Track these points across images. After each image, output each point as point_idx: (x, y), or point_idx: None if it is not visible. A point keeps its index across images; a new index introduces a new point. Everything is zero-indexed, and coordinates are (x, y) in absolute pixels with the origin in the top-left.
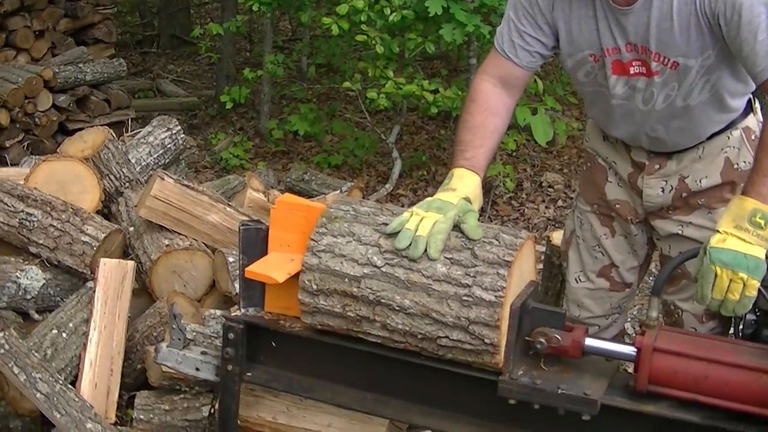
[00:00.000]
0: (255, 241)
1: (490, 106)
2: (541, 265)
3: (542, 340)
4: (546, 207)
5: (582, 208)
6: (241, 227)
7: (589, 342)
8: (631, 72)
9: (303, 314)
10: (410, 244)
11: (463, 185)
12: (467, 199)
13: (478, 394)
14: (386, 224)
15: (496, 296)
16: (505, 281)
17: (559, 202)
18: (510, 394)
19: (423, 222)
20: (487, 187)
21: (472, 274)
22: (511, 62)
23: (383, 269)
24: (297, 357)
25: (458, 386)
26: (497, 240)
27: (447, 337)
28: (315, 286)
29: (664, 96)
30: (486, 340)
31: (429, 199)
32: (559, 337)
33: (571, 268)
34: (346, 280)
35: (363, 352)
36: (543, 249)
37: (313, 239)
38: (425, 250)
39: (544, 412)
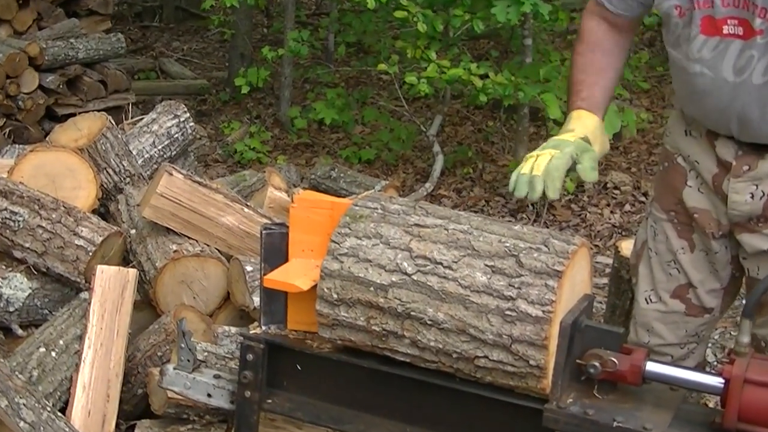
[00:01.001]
0: (279, 248)
1: (599, 43)
2: (605, 280)
3: (596, 363)
4: (611, 212)
5: (657, 215)
6: (264, 231)
7: (652, 367)
8: (724, 32)
9: (321, 328)
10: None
11: (582, 125)
12: (585, 139)
13: (521, 425)
14: (419, 225)
15: (543, 311)
16: (555, 294)
17: (627, 207)
18: (557, 425)
19: (538, 160)
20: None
21: (516, 285)
22: (605, 8)
23: (414, 277)
24: (326, 382)
25: (497, 414)
26: (546, 246)
27: (486, 357)
28: (336, 295)
29: (766, 65)
30: (531, 362)
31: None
32: (615, 360)
33: (641, 285)
34: (372, 288)
35: (402, 378)
36: (610, 260)
37: (334, 241)
38: (543, 192)
39: None
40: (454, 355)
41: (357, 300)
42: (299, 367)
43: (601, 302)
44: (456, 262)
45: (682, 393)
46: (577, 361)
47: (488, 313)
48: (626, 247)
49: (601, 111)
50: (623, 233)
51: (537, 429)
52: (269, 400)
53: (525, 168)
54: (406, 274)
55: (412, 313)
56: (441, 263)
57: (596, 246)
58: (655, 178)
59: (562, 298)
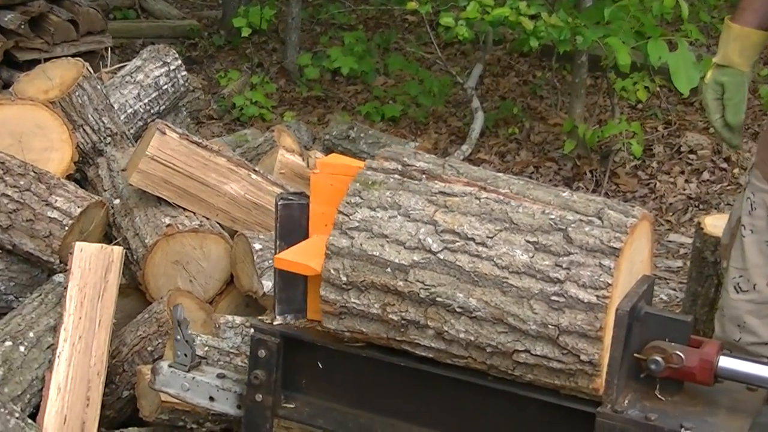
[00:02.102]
0: (298, 223)
1: None
2: (679, 263)
3: (658, 358)
4: (686, 181)
5: (757, 185)
6: (280, 203)
7: (726, 362)
8: None
9: (326, 317)
10: None
11: None
12: None
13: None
14: (445, 193)
15: (598, 296)
16: (611, 276)
17: (705, 174)
18: (613, 431)
19: None
20: (605, 151)
21: (564, 265)
22: None
23: (440, 256)
24: (353, 384)
25: (541, 419)
26: (600, 218)
27: (528, 351)
28: (345, 278)
29: None
30: (582, 357)
31: None
32: (681, 354)
33: (732, 271)
34: (389, 270)
35: (446, 380)
36: (686, 239)
37: (342, 212)
38: None
39: None
40: (488, 349)
41: (371, 283)
42: (321, 366)
43: (675, 289)
44: (491, 238)
45: (762, 394)
46: (636, 355)
47: (531, 298)
48: (711, 223)
49: None
50: (701, 207)
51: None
52: (285, 405)
53: None
54: (430, 252)
55: (438, 299)
56: (473, 239)
57: (668, 221)
58: (759, 140)
59: (619, 281)
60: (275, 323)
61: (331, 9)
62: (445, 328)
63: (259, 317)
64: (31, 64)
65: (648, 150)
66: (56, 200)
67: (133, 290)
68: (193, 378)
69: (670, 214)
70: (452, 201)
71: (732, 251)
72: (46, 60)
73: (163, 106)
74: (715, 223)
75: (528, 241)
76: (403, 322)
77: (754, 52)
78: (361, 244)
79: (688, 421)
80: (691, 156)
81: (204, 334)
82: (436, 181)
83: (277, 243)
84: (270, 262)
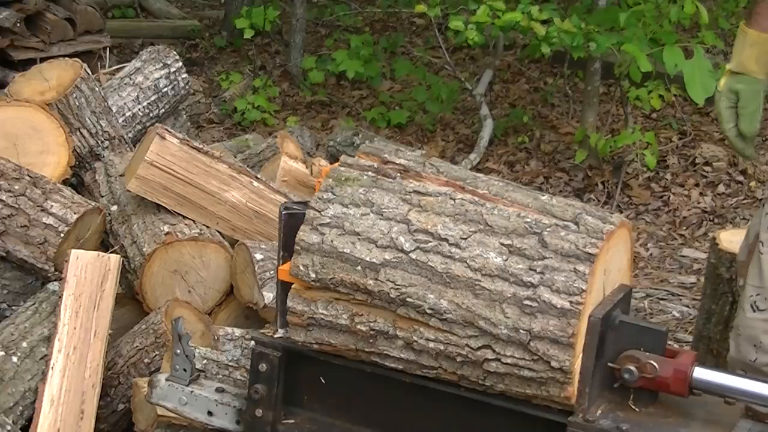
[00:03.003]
0: None
1: None
2: (693, 279)
3: (632, 367)
4: (701, 194)
5: None
6: (284, 212)
7: (701, 374)
8: None
9: (293, 329)
10: None
11: None
12: None
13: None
14: (419, 193)
15: (571, 302)
16: (586, 282)
17: (720, 187)
18: None
19: None
20: (617, 162)
21: (539, 270)
22: None
23: (412, 255)
24: (357, 400)
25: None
26: (577, 223)
27: (498, 359)
28: (314, 275)
29: None
30: (553, 363)
31: None
32: (656, 364)
33: (749, 289)
34: (359, 268)
35: (454, 398)
36: (700, 254)
37: (314, 208)
38: None
39: None
40: (459, 359)
41: (340, 281)
42: (323, 381)
43: (689, 306)
44: (465, 239)
45: (740, 407)
46: (610, 364)
47: (503, 302)
48: (726, 238)
49: None
50: (716, 221)
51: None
52: (286, 421)
53: None
54: (402, 251)
55: (409, 300)
56: (446, 240)
57: (681, 235)
58: None
59: (593, 288)
60: (276, 336)
61: (337, 10)
62: (415, 338)
63: (260, 330)
64: (26, 64)
65: (662, 161)
66: (52, 206)
67: (130, 300)
68: (192, 392)
69: (684, 228)
70: (427, 200)
71: (749, 268)
72: (43, 60)
73: (163, 110)
74: (730, 239)
75: (502, 244)
76: (371, 332)
77: None
78: (331, 241)
79: (661, 431)
80: (707, 168)
81: (202, 347)
82: (411, 180)
83: (281, 254)
84: (271, 272)
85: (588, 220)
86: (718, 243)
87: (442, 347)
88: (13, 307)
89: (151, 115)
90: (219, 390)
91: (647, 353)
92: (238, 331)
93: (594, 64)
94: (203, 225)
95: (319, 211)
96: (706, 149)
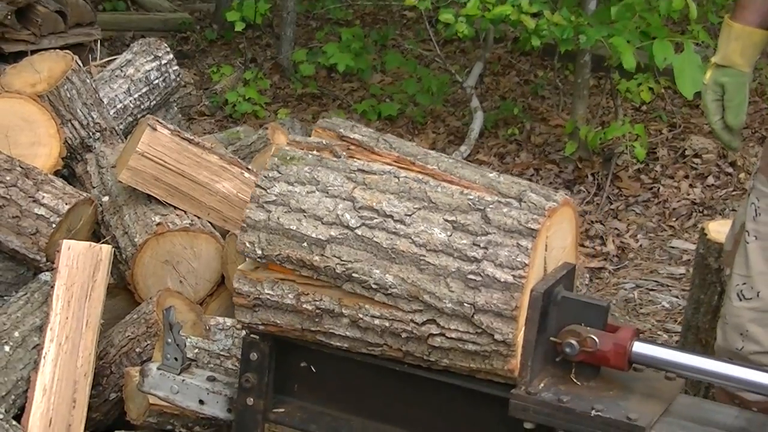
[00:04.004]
0: None
1: None
2: (682, 269)
3: (573, 341)
4: (690, 185)
5: (762, 190)
6: None
7: (640, 348)
8: None
9: (239, 310)
10: None
11: None
12: None
13: (484, 416)
14: (364, 171)
15: (514, 276)
16: (528, 256)
17: (710, 179)
18: (526, 414)
19: None
20: (607, 154)
21: (482, 245)
22: None
23: (358, 232)
24: (347, 388)
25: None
26: (520, 200)
27: (443, 334)
28: (260, 251)
29: None
30: (497, 336)
31: None
32: (596, 338)
33: (735, 278)
34: (305, 244)
35: (443, 385)
36: (690, 245)
37: (260, 186)
38: None
39: None
40: (404, 335)
41: (286, 257)
42: (314, 369)
43: (678, 297)
44: (409, 216)
45: (680, 383)
46: (552, 339)
47: (447, 276)
48: (714, 229)
49: None
50: (705, 212)
51: (504, 420)
52: (277, 410)
53: None
54: (348, 227)
55: (354, 275)
56: (391, 216)
57: (671, 227)
58: (766, 144)
59: (535, 263)
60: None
61: (328, 4)
62: (360, 315)
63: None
64: (17, 57)
65: (652, 153)
66: (43, 197)
67: (122, 290)
68: (183, 380)
69: (674, 219)
70: (371, 179)
71: (735, 258)
72: (34, 52)
73: (154, 102)
74: (719, 229)
75: (446, 220)
76: (317, 311)
77: (756, 52)
78: (278, 218)
79: (600, 404)
80: (696, 160)
81: (194, 336)
82: (356, 159)
83: None
84: None
85: (531, 197)
86: (707, 233)
87: (387, 323)
88: (5, 298)
89: (142, 107)
90: (210, 379)
91: (588, 328)
92: (229, 321)
93: (584, 57)
94: (194, 215)
95: (265, 189)
96: (696, 141)
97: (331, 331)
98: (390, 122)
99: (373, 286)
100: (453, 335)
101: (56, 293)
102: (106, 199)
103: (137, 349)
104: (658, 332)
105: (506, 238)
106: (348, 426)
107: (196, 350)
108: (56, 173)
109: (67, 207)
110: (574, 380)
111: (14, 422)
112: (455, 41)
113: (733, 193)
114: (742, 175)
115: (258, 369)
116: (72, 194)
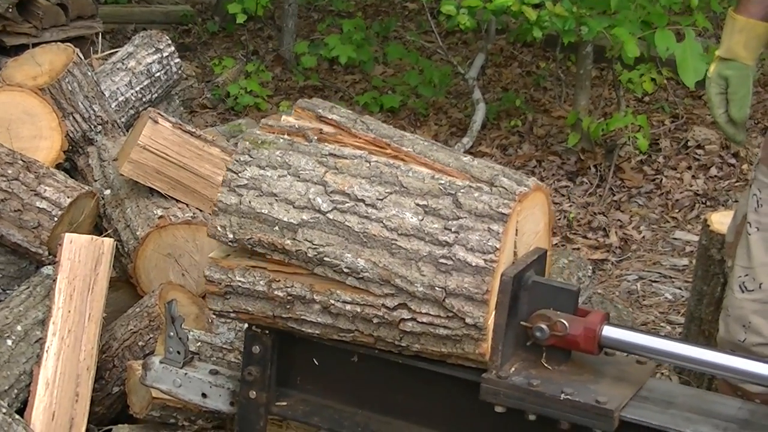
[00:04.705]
0: None
1: None
2: (685, 261)
3: (543, 325)
4: (693, 177)
5: (763, 181)
6: None
7: (610, 332)
8: None
9: (210, 298)
10: None
11: None
12: None
13: (457, 400)
14: (335, 155)
15: (485, 260)
16: (500, 241)
17: (713, 170)
18: (496, 398)
19: None
20: (610, 145)
21: (453, 229)
22: None
23: (330, 216)
24: (350, 381)
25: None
26: (492, 185)
27: (414, 318)
28: (231, 235)
29: None
30: (468, 320)
31: None
32: (566, 322)
33: (737, 270)
34: (277, 228)
35: (447, 378)
36: (693, 237)
37: (231, 170)
38: None
39: (543, 425)
40: (375, 320)
41: (258, 241)
42: (317, 362)
43: (681, 288)
44: (381, 200)
45: (651, 367)
46: (522, 323)
47: (419, 260)
48: (717, 220)
49: None
50: (708, 203)
51: (474, 405)
52: (279, 403)
53: None
54: (319, 211)
55: (326, 259)
56: (363, 200)
57: (674, 218)
58: (767, 136)
59: (506, 247)
60: None
61: None
62: (331, 301)
63: None
64: (19, 50)
65: (654, 144)
66: (45, 190)
67: (124, 283)
68: (186, 374)
69: (677, 210)
70: (342, 163)
71: (737, 249)
72: (35, 45)
73: (156, 94)
74: (721, 221)
75: (418, 205)
76: (289, 297)
77: (760, 45)
78: (249, 202)
79: (570, 387)
80: (699, 151)
81: (196, 329)
82: (327, 143)
83: None
84: None
85: (503, 181)
86: (710, 225)
87: (358, 309)
88: (7, 291)
89: (143, 99)
90: (213, 372)
91: (558, 312)
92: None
93: (586, 48)
94: (196, 208)
95: (237, 173)
96: (699, 132)
97: (302, 317)
98: (392, 114)
99: (345, 270)
100: (424, 319)
101: (58, 287)
102: (107, 192)
103: (140, 343)
104: (661, 324)
105: (477, 223)
106: (351, 418)
107: (199, 343)
108: (58, 166)
109: (68, 200)
110: (545, 364)
111: (17, 416)
112: (457, 33)
113: (736, 184)
114: (744, 166)
115: (260, 362)
116: (74, 187)
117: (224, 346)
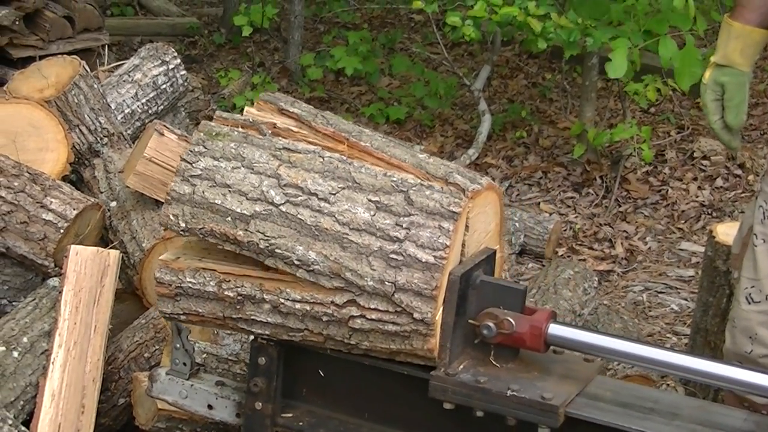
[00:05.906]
0: None
1: None
2: (691, 272)
3: (490, 323)
4: (699, 188)
5: None
6: None
7: (556, 330)
8: None
9: (161, 301)
10: None
11: None
12: None
13: (405, 397)
14: (289, 150)
15: (435, 257)
16: (450, 238)
17: (719, 181)
18: (444, 395)
19: None
20: (616, 156)
21: (405, 225)
22: None
23: (283, 208)
24: (353, 392)
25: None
26: (446, 181)
27: (363, 315)
28: (183, 224)
29: None
30: (416, 315)
31: None
32: (512, 320)
33: (743, 281)
34: (230, 219)
35: None
36: (699, 248)
37: (185, 160)
38: None
39: (490, 421)
40: (324, 318)
41: (210, 231)
42: (322, 374)
43: (687, 299)
44: (333, 195)
45: (598, 365)
46: (470, 321)
47: (369, 255)
48: (723, 231)
49: None
50: (714, 214)
51: (425, 401)
52: (285, 414)
53: None
54: (272, 204)
55: (278, 251)
56: (316, 194)
57: (680, 229)
58: None
59: (456, 246)
60: None
61: (335, 7)
62: (281, 300)
63: None
64: (25, 62)
65: (660, 155)
66: (51, 202)
67: (130, 295)
68: (192, 385)
69: (682, 221)
70: (296, 157)
71: (744, 261)
72: (41, 57)
73: (162, 106)
74: (727, 232)
75: (370, 200)
76: (239, 297)
77: (756, 51)
78: (203, 192)
79: (516, 384)
80: (705, 162)
81: (202, 341)
82: (281, 138)
83: None
84: None
85: (456, 179)
86: (715, 236)
87: (308, 307)
88: (14, 303)
89: (149, 111)
90: (219, 383)
91: (505, 310)
92: None
93: (592, 59)
94: None
95: (191, 163)
96: (704, 143)
97: (252, 317)
98: (398, 126)
99: (296, 263)
100: (373, 316)
101: (64, 298)
102: (114, 204)
103: (145, 354)
104: (667, 335)
105: (428, 220)
106: (356, 430)
107: (205, 355)
108: (64, 178)
109: (74, 212)
110: (494, 362)
111: (23, 428)
112: (463, 44)
113: (742, 195)
114: (750, 177)
115: (266, 373)
116: (80, 199)
117: (230, 357)
